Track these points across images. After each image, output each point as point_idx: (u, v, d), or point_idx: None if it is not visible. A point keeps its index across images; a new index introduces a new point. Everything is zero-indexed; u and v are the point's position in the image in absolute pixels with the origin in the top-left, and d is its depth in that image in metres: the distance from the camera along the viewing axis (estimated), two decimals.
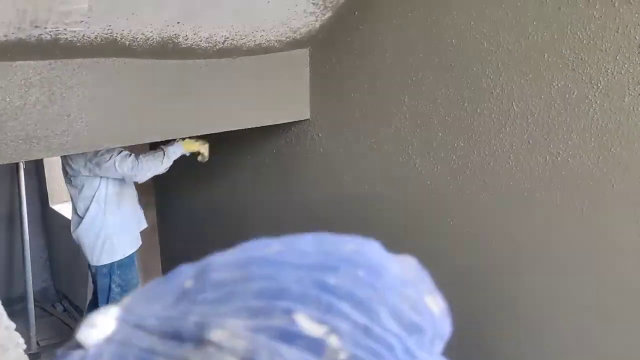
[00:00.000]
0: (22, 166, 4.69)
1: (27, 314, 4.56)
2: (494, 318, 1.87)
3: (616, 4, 1.42)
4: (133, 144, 2.22)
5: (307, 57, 2.27)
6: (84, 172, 2.80)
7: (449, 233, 1.93)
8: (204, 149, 2.80)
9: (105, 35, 1.67)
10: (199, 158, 2.83)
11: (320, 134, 2.30)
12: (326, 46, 2.18)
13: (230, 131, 2.27)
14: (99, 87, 1.79)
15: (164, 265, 3.60)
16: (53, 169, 5.29)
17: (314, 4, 1.97)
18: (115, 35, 1.69)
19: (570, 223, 1.62)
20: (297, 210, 2.50)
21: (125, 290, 3.13)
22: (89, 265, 3.15)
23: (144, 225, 3.18)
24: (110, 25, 1.64)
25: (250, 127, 2.22)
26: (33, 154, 1.70)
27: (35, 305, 4.65)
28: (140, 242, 3.18)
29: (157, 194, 3.47)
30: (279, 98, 2.25)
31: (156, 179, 3.47)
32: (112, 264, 3.03)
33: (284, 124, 2.39)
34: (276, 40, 2.09)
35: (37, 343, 4.53)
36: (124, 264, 3.07)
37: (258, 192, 2.69)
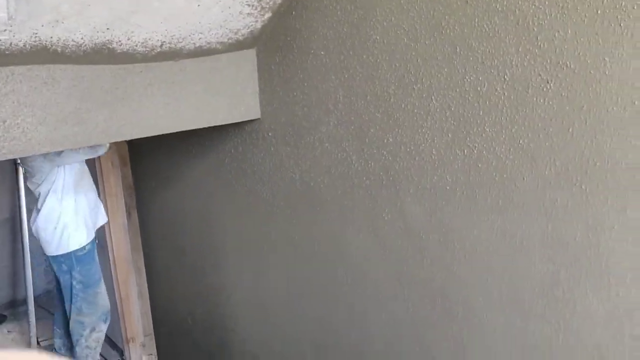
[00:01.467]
0: (20, 170, 4.82)
1: (28, 315, 4.69)
2: (426, 312, 1.88)
3: None
4: (74, 148, 2.28)
5: (254, 57, 2.29)
6: (44, 165, 2.96)
7: (385, 226, 1.94)
8: None
9: (33, 43, 1.73)
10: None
11: (270, 133, 2.33)
12: (270, 46, 2.21)
13: (192, 132, 2.32)
14: (34, 93, 1.84)
15: (146, 262, 3.68)
16: None
17: (248, 5, 2.00)
18: (44, 42, 1.74)
19: (488, 215, 1.62)
20: (253, 207, 2.53)
21: (87, 286, 3.29)
22: (50, 263, 3.34)
23: (102, 220, 3.39)
24: (36, 33, 1.69)
25: (199, 127, 2.25)
26: None
27: (40, 307, 4.78)
28: (94, 235, 3.38)
29: (137, 199, 3.56)
30: (229, 98, 2.28)
31: (137, 186, 3.55)
32: (71, 260, 3.19)
33: (238, 124, 2.42)
34: (217, 42, 2.13)
35: (38, 343, 4.66)
36: (83, 259, 3.20)
37: (220, 191, 2.73)
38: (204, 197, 2.85)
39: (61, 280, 3.33)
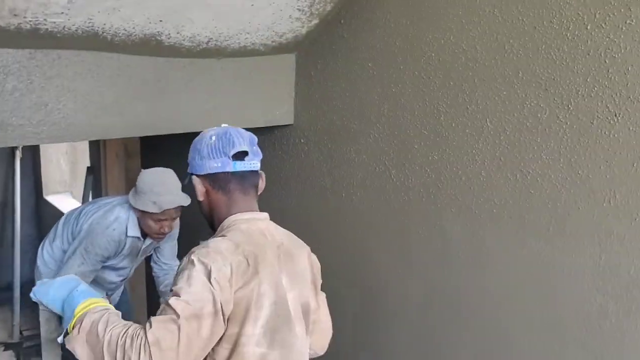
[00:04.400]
0: (18, 155, 4.71)
1: (12, 302, 4.57)
2: (457, 333, 1.86)
3: (588, 27, 1.42)
4: (111, 138, 2.23)
5: (293, 63, 2.28)
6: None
7: (418, 242, 1.93)
8: None
9: (86, 28, 1.69)
10: None
11: (302, 140, 2.31)
12: (312, 52, 2.19)
13: None
14: (79, 79, 1.80)
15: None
16: (49, 160, 5.32)
17: (299, 9, 1.98)
18: (96, 29, 1.71)
19: (535, 241, 1.62)
20: (275, 214, 2.50)
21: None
22: None
23: None
24: (91, 19, 1.66)
25: None
26: (7, 141, 1.72)
27: (22, 295, 4.64)
28: None
29: None
30: (263, 101, 2.26)
31: None
32: None
33: (267, 127, 2.39)
34: (261, 44, 2.11)
35: (21, 332, 4.53)
36: None
37: None
38: None
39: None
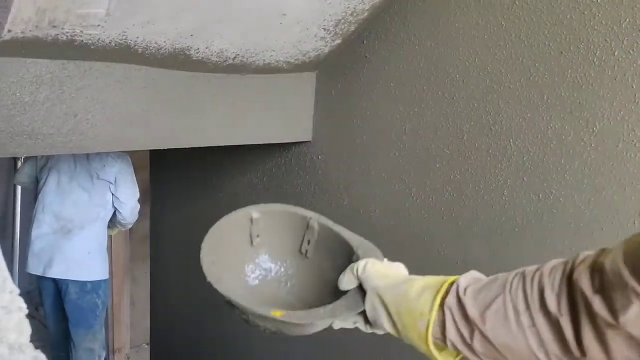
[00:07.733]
0: (20, 165, 4.70)
1: None
2: None
3: (616, 53, 1.47)
4: (137, 150, 2.25)
5: (313, 81, 2.31)
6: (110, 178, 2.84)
7: (439, 262, 1.95)
8: None
9: (119, 41, 1.72)
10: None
11: (320, 157, 2.34)
12: (333, 71, 2.23)
13: (232, 146, 2.31)
14: (108, 90, 1.83)
15: (152, 275, 3.59)
16: None
17: (324, 29, 2.03)
18: (129, 41, 1.74)
19: None
20: None
21: (105, 305, 3.13)
22: (65, 288, 3.02)
23: None
24: (125, 32, 1.68)
25: (252, 143, 2.26)
26: (37, 150, 1.73)
27: None
28: None
29: (152, 204, 3.49)
30: (283, 118, 2.29)
31: (154, 189, 3.49)
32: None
33: (285, 143, 2.42)
34: (285, 62, 2.14)
35: None
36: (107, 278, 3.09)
37: None
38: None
39: (82, 302, 2.99)
